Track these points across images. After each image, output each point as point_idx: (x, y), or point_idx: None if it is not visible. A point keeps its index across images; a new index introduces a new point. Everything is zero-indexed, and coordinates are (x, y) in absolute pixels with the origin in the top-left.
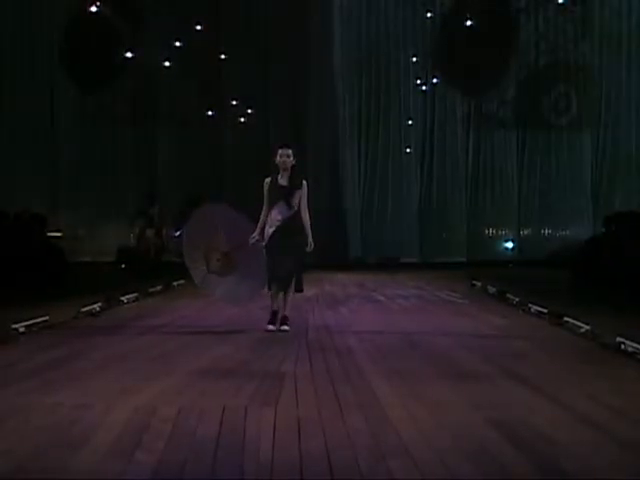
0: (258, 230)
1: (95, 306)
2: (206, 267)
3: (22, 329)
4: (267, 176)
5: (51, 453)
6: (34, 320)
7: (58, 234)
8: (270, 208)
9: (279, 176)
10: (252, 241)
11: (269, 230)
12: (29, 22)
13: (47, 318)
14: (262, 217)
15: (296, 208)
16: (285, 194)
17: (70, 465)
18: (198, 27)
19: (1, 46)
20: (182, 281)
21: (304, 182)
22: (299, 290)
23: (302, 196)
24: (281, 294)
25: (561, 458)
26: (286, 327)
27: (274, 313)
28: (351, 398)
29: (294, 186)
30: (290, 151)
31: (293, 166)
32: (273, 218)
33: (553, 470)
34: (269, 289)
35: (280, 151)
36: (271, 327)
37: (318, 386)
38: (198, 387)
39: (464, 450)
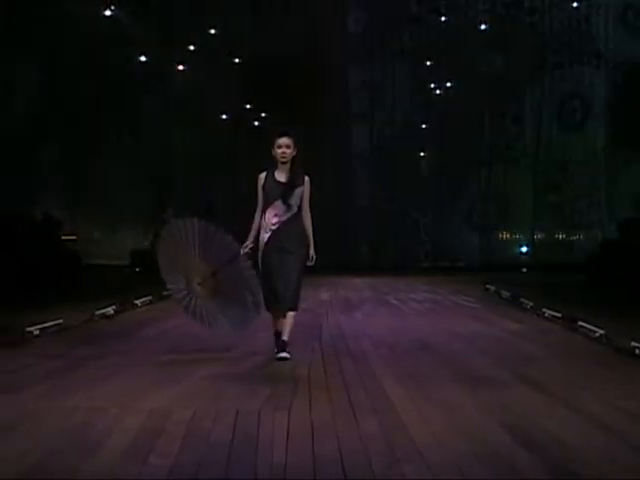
0: (251, 237)
1: (109, 309)
2: (189, 292)
3: (36, 332)
4: (262, 170)
5: (65, 456)
6: (48, 323)
7: (72, 237)
8: (265, 209)
9: (276, 170)
10: (245, 250)
11: (263, 236)
12: None
13: (61, 321)
14: (256, 220)
15: (296, 209)
16: (283, 192)
17: (84, 468)
18: (212, 31)
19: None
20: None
21: (306, 178)
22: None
23: (304, 195)
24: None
25: (574, 462)
26: (286, 354)
27: (282, 342)
28: (365, 402)
29: (294, 183)
30: (291, 140)
31: (294, 158)
32: (268, 221)
33: (566, 474)
34: (268, 309)
35: (279, 140)
36: (284, 354)
37: (332, 390)
38: (212, 391)
39: (477, 454)
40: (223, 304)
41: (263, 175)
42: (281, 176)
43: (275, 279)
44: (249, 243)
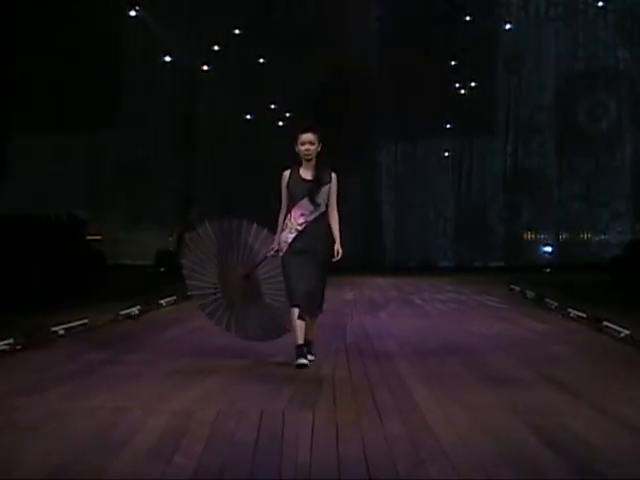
0: (277, 239)
1: (134, 309)
2: (220, 295)
3: (61, 332)
4: (286, 168)
5: (90, 456)
6: (73, 323)
7: (98, 237)
8: (290, 209)
9: (301, 168)
10: (271, 254)
11: (287, 237)
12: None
13: (86, 321)
14: (280, 221)
15: (324, 208)
16: (310, 190)
17: (109, 468)
18: (237, 31)
19: None
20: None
21: (333, 174)
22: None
23: (331, 193)
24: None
25: (599, 463)
26: (310, 357)
27: (301, 347)
28: (390, 402)
29: (321, 180)
30: (314, 136)
31: (319, 154)
32: (294, 221)
33: (591, 474)
34: (292, 306)
35: (302, 136)
36: (303, 361)
37: (356, 390)
38: (236, 391)
39: (502, 454)
40: (252, 311)
41: (287, 173)
42: (306, 173)
43: (299, 281)
44: (275, 246)
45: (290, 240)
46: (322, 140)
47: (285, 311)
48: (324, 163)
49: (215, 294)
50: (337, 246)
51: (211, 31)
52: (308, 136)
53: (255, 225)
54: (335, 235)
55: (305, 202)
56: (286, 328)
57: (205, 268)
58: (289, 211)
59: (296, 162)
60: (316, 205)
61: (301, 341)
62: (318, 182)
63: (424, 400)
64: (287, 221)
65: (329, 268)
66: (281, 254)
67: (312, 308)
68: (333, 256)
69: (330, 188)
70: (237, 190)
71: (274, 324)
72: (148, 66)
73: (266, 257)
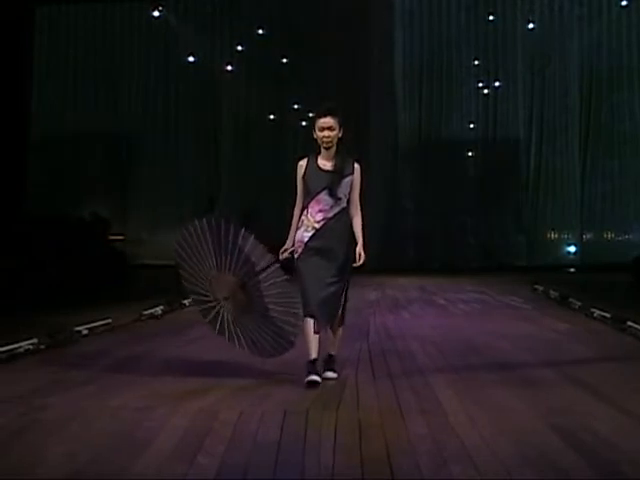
0: (291, 239)
1: (157, 309)
2: (216, 306)
3: (85, 331)
4: (302, 157)
5: (113, 456)
6: (97, 322)
7: (120, 237)
8: (307, 204)
9: (320, 157)
10: (284, 256)
11: (304, 235)
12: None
13: (109, 321)
14: (295, 217)
15: (345, 203)
16: (329, 182)
17: (132, 468)
18: (260, 31)
19: None
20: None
21: (356, 165)
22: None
23: (353, 185)
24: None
25: (623, 465)
26: (331, 374)
27: (313, 363)
28: (413, 403)
29: (342, 171)
30: (335, 120)
31: (340, 141)
32: (311, 218)
33: (614, 476)
34: (306, 316)
35: (320, 121)
36: (314, 377)
37: (379, 390)
38: (259, 391)
39: (526, 456)
40: (254, 324)
41: (303, 163)
42: (326, 163)
43: (315, 287)
44: (289, 246)
45: (306, 239)
46: (344, 125)
47: (290, 324)
48: (346, 151)
49: (212, 301)
50: (359, 249)
51: (234, 31)
52: (327, 120)
53: (252, 236)
54: (357, 236)
55: (324, 196)
56: (292, 341)
57: (199, 270)
58: (305, 207)
59: (314, 151)
60: (337, 199)
61: (314, 356)
62: (340, 173)
63: (447, 401)
64: (303, 218)
65: (350, 273)
66: (296, 255)
67: (331, 317)
68: (354, 260)
69: (353, 180)
70: (260, 190)
71: (276, 339)
72: (172, 66)
73: (268, 266)
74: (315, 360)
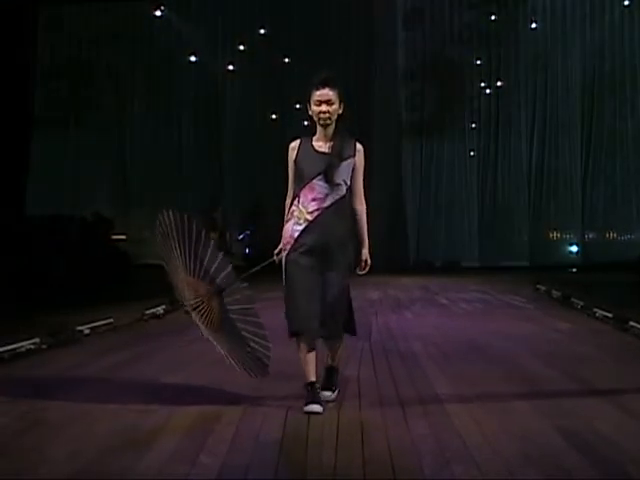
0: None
1: (159, 308)
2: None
3: (87, 331)
4: (294, 138)
5: (115, 457)
6: (99, 322)
7: (122, 237)
8: (299, 192)
9: (315, 137)
10: (279, 258)
11: (294, 229)
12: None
13: (111, 320)
14: (286, 209)
15: (344, 191)
16: (326, 165)
17: (134, 468)
18: (262, 31)
19: None
20: (246, 284)
21: (359, 146)
22: (349, 331)
23: (355, 171)
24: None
25: (627, 465)
26: (330, 395)
27: (311, 386)
28: (415, 402)
29: (342, 153)
30: (334, 92)
31: (339, 117)
32: (302, 208)
33: (618, 476)
34: (293, 335)
35: (317, 93)
36: (313, 407)
37: (382, 390)
38: (262, 391)
39: (528, 455)
40: (227, 342)
41: (296, 144)
42: (322, 144)
43: (305, 296)
44: (282, 247)
45: (296, 234)
46: (344, 99)
47: (262, 346)
48: (347, 130)
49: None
50: (365, 253)
51: (236, 31)
52: (325, 92)
53: (212, 243)
54: (361, 236)
55: (319, 182)
56: (266, 365)
57: (173, 268)
58: (297, 195)
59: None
60: (333, 186)
61: (312, 379)
62: (338, 155)
63: (450, 400)
64: (293, 208)
65: (350, 273)
66: (283, 254)
67: (331, 327)
68: (357, 265)
69: (355, 164)
70: (262, 189)
71: (253, 360)
72: (174, 65)
73: (231, 285)
74: (313, 383)
